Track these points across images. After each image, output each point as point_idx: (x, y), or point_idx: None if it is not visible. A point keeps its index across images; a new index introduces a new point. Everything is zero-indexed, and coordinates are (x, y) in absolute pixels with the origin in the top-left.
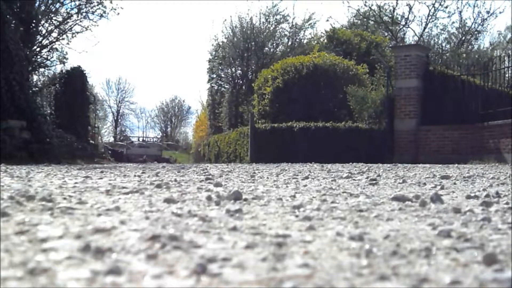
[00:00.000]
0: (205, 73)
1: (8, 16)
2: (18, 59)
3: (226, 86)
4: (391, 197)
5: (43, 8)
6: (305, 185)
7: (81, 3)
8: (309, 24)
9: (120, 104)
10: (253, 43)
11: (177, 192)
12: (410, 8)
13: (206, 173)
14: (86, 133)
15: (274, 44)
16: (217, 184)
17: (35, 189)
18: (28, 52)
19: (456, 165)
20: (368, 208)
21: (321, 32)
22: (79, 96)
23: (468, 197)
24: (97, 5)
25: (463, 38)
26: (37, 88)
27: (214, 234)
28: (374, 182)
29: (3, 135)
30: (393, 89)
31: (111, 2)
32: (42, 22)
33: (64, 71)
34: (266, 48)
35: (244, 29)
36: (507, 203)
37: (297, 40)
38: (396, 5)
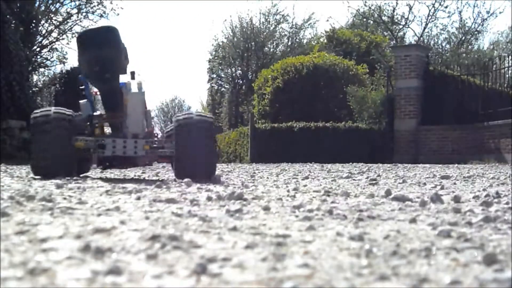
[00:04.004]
0: (205, 73)
1: (8, 16)
2: (18, 59)
3: (226, 86)
4: (391, 197)
5: (43, 8)
6: (305, 185)
7: (81, 3)
8: (309, 24)
9: None
10: (253, 43)
11: (177, 192)
12: (410, 8)
13: None
14: None
15: (274, 44)
16: (217, 184)
17: (35, 189)
18: (28, 52)
19: (456, 165)
20: (368, 208)
21: (321, 32)
22: (79, 96)
23: (468, 197)
24: (97, 5)
25: (463, 38)
26: (37, 88)
27: (214, 234)
28: (374, 182)
29: (3, 135)
30: (393, 89)
31: (111, 2)
32: (42, 22)
33: (64, 71)
34: (266, 48)
35: (244, 29)
36: (507, 203)
37: (297, 40)
38: (396, 5)
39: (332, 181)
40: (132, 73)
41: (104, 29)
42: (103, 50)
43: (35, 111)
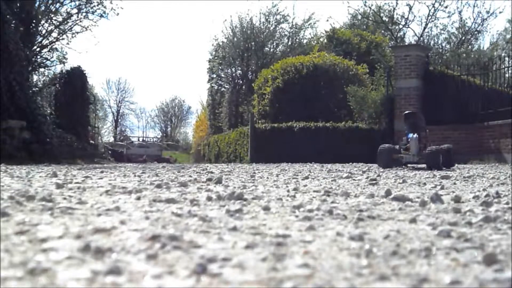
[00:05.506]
0: (205, 73)
1: (8, 16)
2: (18, 59)
3: (226, 86)
4: (391, 197)
5: (43, 8)
6: (305, 185)
7: (81, 3)
8: (309, 24)
9: (120, 104)
10: (253, 43)
11: (177, 192)
12: (410, 8)
13: (206, 173)
14: (86, 133)
15: (274, 44)
16: (217, 184)
17: (35, 189)
18: (28, 52)
19: (456, 165)
20: (368, 208)
21: (321, 32)
22: (79, 96)
23: (468, 197)
24: (97, 5)
25: (463, 38)
26: (37, 88)
27: (214, 234)
28: (374, 182)
29: (3, 135)
30: (393, 89)
31: (111, 2)
32: (42, 22)
33: (64, 71)
34: (266, 48)
35: (244, 29)
36: (507, 203)
37: (297, 40)
38: (396, 5)
39: (332, 181)
40: (422, 131)
41: (413, 112)
42: (410, 119)
43: (382, 146)
